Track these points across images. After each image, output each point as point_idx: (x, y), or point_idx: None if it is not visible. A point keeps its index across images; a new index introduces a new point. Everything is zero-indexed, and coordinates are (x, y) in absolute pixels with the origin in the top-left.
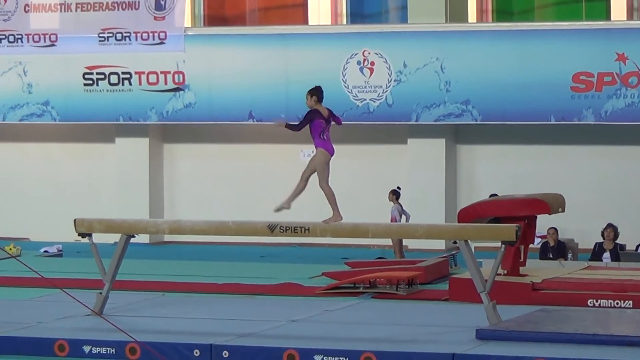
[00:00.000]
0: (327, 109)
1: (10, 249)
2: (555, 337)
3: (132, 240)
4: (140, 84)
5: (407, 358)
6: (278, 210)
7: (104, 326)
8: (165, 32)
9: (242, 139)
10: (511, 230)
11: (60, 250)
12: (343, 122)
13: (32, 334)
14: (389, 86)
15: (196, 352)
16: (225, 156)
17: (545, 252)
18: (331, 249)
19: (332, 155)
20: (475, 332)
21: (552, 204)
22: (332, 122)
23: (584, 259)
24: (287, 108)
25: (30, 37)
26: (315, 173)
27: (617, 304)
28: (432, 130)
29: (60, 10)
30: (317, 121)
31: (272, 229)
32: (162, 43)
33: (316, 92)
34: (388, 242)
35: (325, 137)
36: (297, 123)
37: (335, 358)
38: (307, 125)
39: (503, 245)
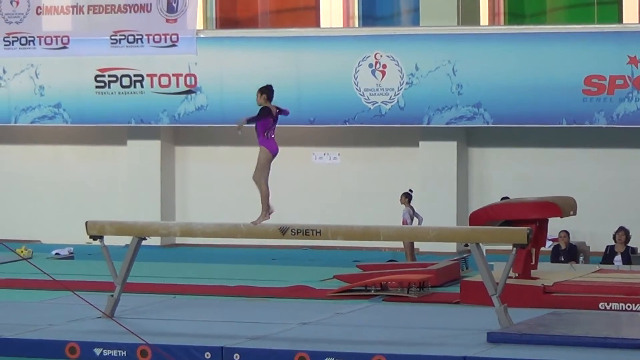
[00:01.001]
0: (275, 106)
1: (22, 252)
2: (566, 340)
3: (144, 242)
4: (152, 86)
5: None
6: (255, 223)
7: (115, 329)
8: (177, 35)
9: (254, 142)
10: (522, 233)
11: (72, 253)
12: (355, 125)
13: (43, 337)
14: (401, 89)
15: (207, 355)
16: (237, 159)
17: (556, 255)
18: (342, 251)
19: (274, 154)
20: (486, 335)
21: (564, 207)
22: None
23: (595, 262)
24: (299, 110)
25: (42, 39)
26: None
27: (629, 307)
28: (443, 133)
29: (72, 13)
30: (266, 119)
31: (283, 231)
32: (174, 45)
33: (266, 91)
34: (399, 244)
35: (269, 135)
36: (252, 117)
37: None
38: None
39: (514, 248)
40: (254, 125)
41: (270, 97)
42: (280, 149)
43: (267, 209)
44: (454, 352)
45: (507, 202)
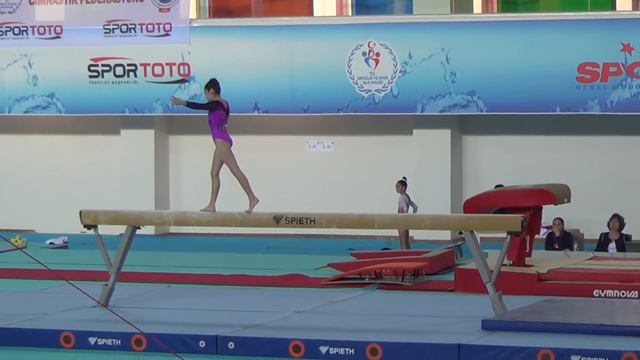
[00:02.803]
0: (225, 101)
1: (16, 241)
2: (560, 327)
3: (138, 231)
4: (145, 75)
5: (413, 349)
6: (249, 212)
7: (110, 317)
8: (170, 24)
9: (248, 131)
10: (517, 220)
11: (66, 242)
12: (348, 113)
13: (38, 326)
14: (394, 77)
15: (202, 344)
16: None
17: (550, 243)
18: (337, 240)
19: (231, 144)
20: (481, 323)
21: (558, 194)
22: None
23: (589, 249)
24: (293, 99)
25: (36, 29)
26: (223, 166)
27: (623, 294)
28: (437, 121)
29: (65, 2)
30: (218, 112)
31: (277, 220)
32: (167, 35)
33: (212, 85)
34: (394, 233)
35: (223, 128)
36: (198, 103)
37: (341, 349)
38: (208, 116)
39: (509, 236)
40: (193, 109)
41: (217, 90)
42: (273, 137)
43: (252, 195)
44: (448, 340)
45: (501, 189)
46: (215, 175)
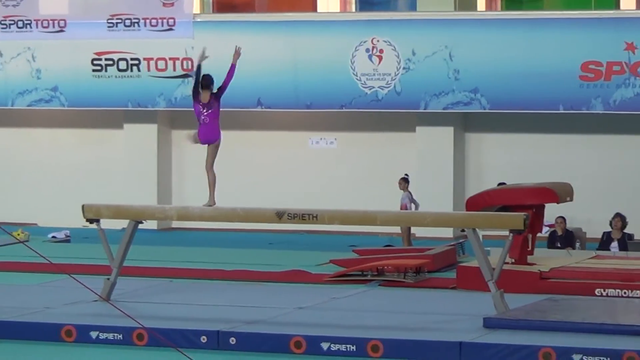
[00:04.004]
0: (212, 93)
1: (19, 235)
2: (562, 326)
3: (140, 226)
4: (148, 70)
5: (414, 346)
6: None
7: (112, 312)
8: (174, 19)
9: (251, 126)
10: (519, 218)
11: (68, 236)
12: (351, 110)
13: (40, 319)
14: (398, 74)
15: (203, 339)
16: (233, 143)
17: (553, 241)
18: (339, 236)
19: (217, 140)
20: (482, 321)
21: (561, 193)
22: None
23: (591, 248)
24: (296, 95)
25: (39, 22)
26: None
27: (625, 293)
28: (440, 118)
29: None
30: (194, 106)
31: (280, 216)
32: (170, 29)
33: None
34: (396, 229)
35: (203, 121)
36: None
37: (342, 345)
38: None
39: (511, 234)
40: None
41: (204, 85)
42: (276, 133)
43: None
44: (450, 338)
45: (504, 187)
46: (210, 169)
